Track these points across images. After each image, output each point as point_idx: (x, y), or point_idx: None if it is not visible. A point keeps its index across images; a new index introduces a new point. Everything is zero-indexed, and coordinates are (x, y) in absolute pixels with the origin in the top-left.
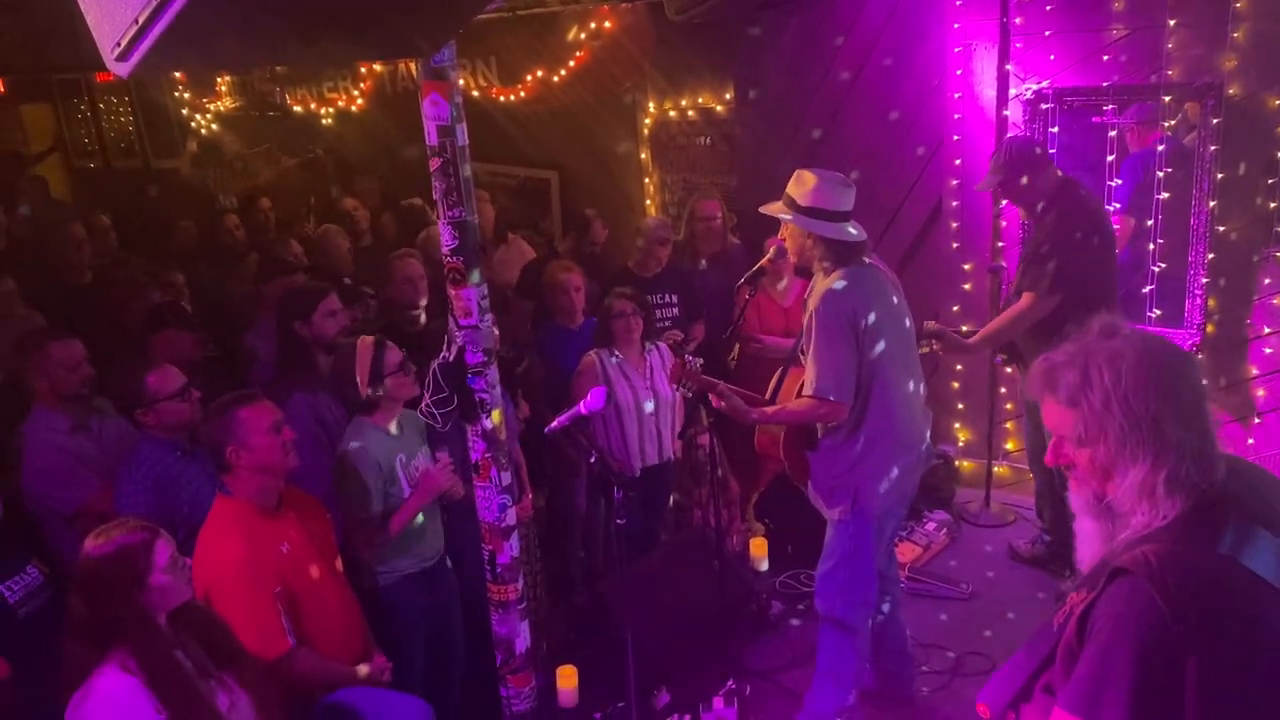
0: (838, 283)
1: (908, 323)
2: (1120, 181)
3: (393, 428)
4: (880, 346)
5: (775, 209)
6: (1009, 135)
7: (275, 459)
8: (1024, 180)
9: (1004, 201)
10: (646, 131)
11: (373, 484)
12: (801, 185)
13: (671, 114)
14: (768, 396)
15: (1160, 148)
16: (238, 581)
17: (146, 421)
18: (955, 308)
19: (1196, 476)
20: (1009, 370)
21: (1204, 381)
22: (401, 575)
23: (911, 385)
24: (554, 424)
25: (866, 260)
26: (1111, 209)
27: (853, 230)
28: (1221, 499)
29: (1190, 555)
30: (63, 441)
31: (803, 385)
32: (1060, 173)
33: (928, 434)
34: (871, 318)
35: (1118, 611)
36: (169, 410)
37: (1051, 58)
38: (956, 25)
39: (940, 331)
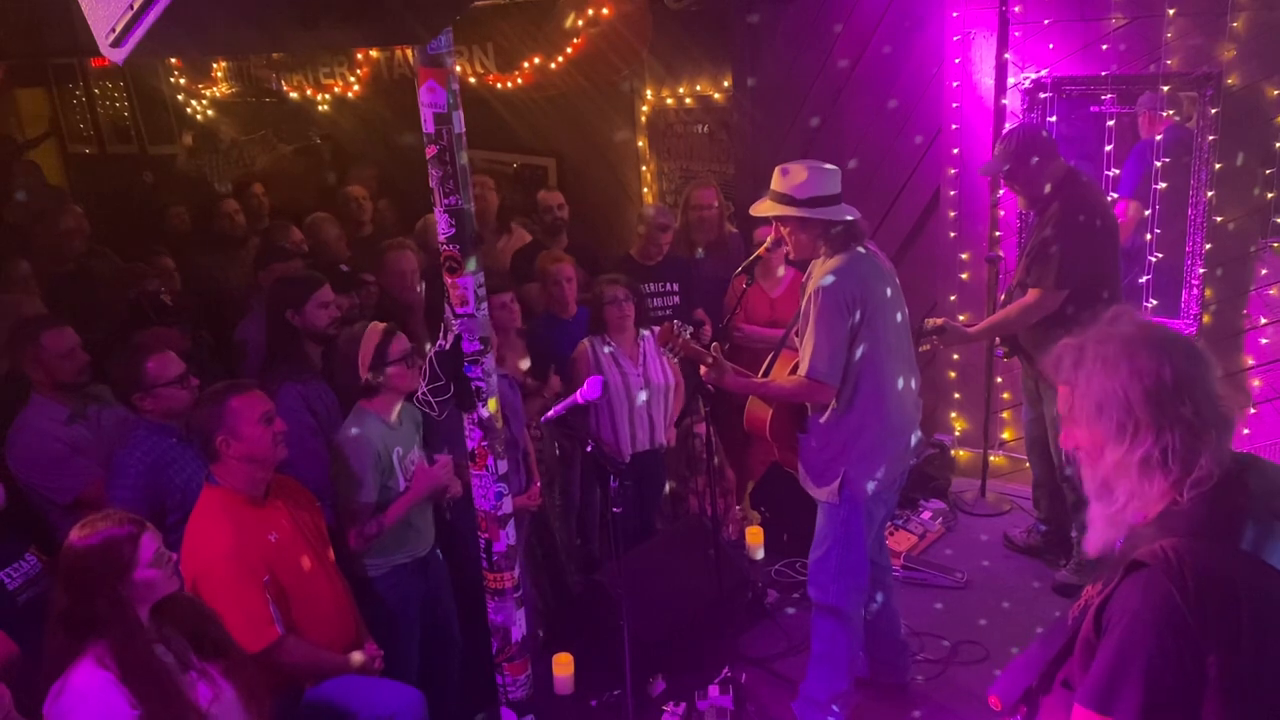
0: (838, 267)
1: (900, 316)
2: (1117, 172)
3: (392, 418)
4: (874, 332)
5: (773, 209)
6: (1017, 122)
7: (264, 450)
8: (1032, 167)
9: (1001, 191)
10: (644, 119)
11: (370, 472)
12: (792, 178)
13: (669, 102)
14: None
15: (1158, 137)
16: (225, 571)
17: (145, 407)
18: (953, 297)
19: (1177, 465)
20: (1005, 360)
21: (1210, 372)
22: (393, 565)
23: (903, 375)
24: (550, 413)
25: (865, 246)
26: (1111, 198)
27: (848, 212)
28: (1241, 494)
29: (1210, 551)
30: (59, 431)
31: (795, 366)
32: (1065, 163)
33: (918, 424)
34: (868, 303)
35: (1134, 606)
36: (168, 396)
37: (1050, 47)
38: (955, 14)
39: (943, 325)
